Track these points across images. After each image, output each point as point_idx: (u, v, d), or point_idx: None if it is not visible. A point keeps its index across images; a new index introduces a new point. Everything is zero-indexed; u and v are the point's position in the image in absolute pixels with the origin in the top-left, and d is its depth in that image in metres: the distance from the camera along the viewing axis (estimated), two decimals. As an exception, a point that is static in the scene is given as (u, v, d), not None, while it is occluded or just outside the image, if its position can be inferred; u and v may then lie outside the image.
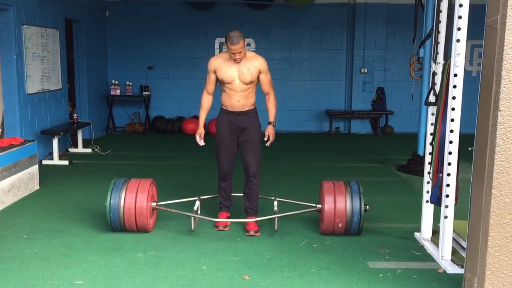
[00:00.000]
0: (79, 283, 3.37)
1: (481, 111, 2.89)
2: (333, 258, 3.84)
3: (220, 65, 4.23)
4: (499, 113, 2.69)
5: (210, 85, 4.37)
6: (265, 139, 4.35)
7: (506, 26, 2.62)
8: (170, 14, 10.22)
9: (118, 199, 4.20)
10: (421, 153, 6.78)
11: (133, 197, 4.21)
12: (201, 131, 4.43)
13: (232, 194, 4.60)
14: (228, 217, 4.50)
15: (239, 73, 4.18)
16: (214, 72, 4.27)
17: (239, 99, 4.25)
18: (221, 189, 4.50)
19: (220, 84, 4.32)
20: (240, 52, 4.06)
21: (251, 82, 4.22)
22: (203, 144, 4.41)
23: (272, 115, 4.38)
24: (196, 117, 10.04)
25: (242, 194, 4.67)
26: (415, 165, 6.71)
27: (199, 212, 4.54)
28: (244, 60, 4.17)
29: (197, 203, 4.58)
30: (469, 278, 3.01)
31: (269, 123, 4.38)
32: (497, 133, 2.71)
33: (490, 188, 2.76)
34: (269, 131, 4.35)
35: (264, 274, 3.55)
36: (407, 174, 6.70)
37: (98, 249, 3.99)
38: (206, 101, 4.44)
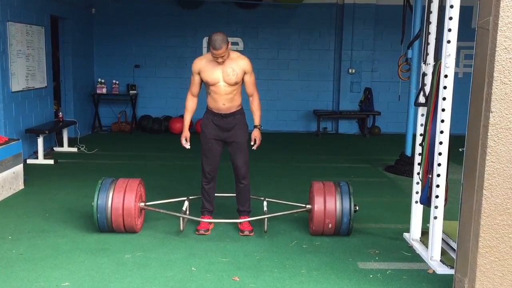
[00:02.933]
0: (66, 285, 3.31)
1: (472, 112, 2.90)
2: (323, 258, 3.82)
3: (204, 66, 4.16)
4: (490, 114, 2.69)
5: (195, 87, 4.30)
6: (252, 143, 4.32)
7: (499, 28, 2.62)
8: (158, 13, 10.14)
9: (105, 199, 4.14)
10: (408, 154, 6.81)
11: (121, 197, 4.15)
12: (186, 133, 4.37)
13: (218, 195, 4.56)
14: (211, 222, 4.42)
15: (223, 74, 4.11)
16: (199, 73, 4.20)
17: (224, 102, 4.18)
18: (205, 192, 4.43)
19: (205, 86, 4.26)
20: (222, 56, 4.00)
21: (236, 84, 4.15)
22: (189, 147, 4.36)
23: (257, 118, 4.33)
24: (183, 116, 10.00)
25: (230, 195, 4.69)
26: (403, 166, 6.74)
27: (187, 212, 4.49)
28: (228, 60, 4.10)
29: (186, 203, 4.53)
30: (459, 279, 3.01)
31: (255, 126, 4.33)
32: (488, 134, 2.71)
33: (481, 189, 2.76)
34: (256, 135, 4.31)
35: (254, 275, 3.52)
36: (395, 175, 6.73)
37: (85, 250, 3.92)
38: (191, 103, 4.37)
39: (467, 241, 2.91)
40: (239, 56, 4.20)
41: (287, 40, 10.34)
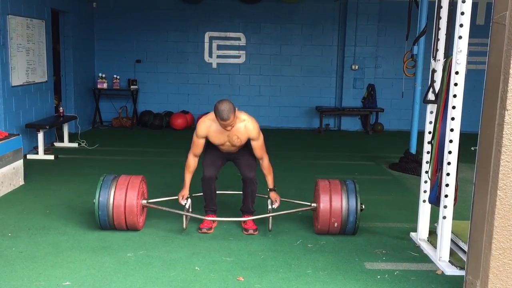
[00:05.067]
0: (67, 284, 3.24)
1: (486, 110, 2.81)
2: (329, 258, 3.75)
3: (212, 132, 4.09)
4: (506, 112, 2.61)
5: (198, 149, 4.19)
6: (274, 206, 4.26)
7: (516, 23, 2.54)
8: (159, 7, 10.04)
9: (107, 196, 4.06)
10: (413, 151, 6.74)
11: (123, 194, 4.07)
12: (185, 192, 4.28)
13: (222, 192, 4.50)
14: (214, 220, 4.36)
15: (229, 138, 4.09)
16: (204, 137, 4.14)
17: (229, 153, 4.25)
18: (205, 193, 4.37)
19: None
20: (231, 124, 3.93)
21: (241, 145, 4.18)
22: (185, 203, 4.30)
23: (270, 181, 4.27)
24: (185, 112, 9.94)
25: (233, 192, 4.74)
26: (407, 163, 6.66)
27: (190, 210, 4.41)
28: (236, 128, 4.02)
29: (189, 201, 4.44)
30: (471, 281, 2.94)
31: (270, 190, 4.29)
32: (503, 133, 2.63)
33: (495, 189, 2.68)
34: (274, 197, 4.28)
35: (259, 275, 3.44)
36: (399, 173, 6.64)
37: (86, 248, 3.84)
38: (193, 163, 4.25)
39: (480, 243, 2.83)
40: (245, 123, 4.06)
41: (290, 36, 10.24)
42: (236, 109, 3.95)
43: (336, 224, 4.10)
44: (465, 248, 3.31)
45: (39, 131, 6.92)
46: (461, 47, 3.35)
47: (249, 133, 4.09)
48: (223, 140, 4.12)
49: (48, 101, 7.99)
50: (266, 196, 4.57)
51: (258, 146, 4.16)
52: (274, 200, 4.28)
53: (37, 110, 7.54)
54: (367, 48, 10.13)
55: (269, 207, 4.35)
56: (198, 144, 4.17)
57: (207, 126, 4.09)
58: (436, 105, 3.77)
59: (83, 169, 6.39)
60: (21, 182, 5.57)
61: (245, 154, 4.26)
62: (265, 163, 4.23)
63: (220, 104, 3.86)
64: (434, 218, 3.99)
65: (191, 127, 9.74)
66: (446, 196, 3.56)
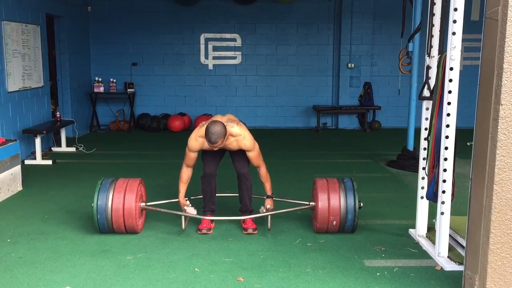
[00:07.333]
0: (67, 289, 3.24)
1: (481, 105, 2.82)
2: (329, 257, 3.75)
3: (204, 147, 4.10)
4: (500, 107, 2.62)
5: (192, 161, 4.20)
6: (264, 211, 4.26)
7: (508, 18, 2.55)
8: (154, 9, 10.05)
9: (105, 199, 4.06)
10: (411, 148, 6.75)
11: (121, 198, 4.08)
12: (183, 202, 4.30)
13: (220, 195, 4.50)
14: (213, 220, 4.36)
15: (223, 148, 4.11)
16: (197, 151, 4.15)
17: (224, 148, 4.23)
18: (205, 191, 4.37)
19: None
20: (217, 147, 3.94)
21: None
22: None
23: (268, 189, 4.30)
24: (182, 114, 9.94)
25: (232, 195, 4.68)
26: (405, 160, 6.67)
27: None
28: (228, 142, 4.02)
29: (187, 203, 4.45)
30: (469, 276, 2.95)
31: (268, 196, 4.31)
32: (498, 127, 2.64)
33: (492, 184, 2.70)
34: (269, 204, 4.29)
35: (258, 275, 3.45)
36: (397, 170, 6.65)
37: (86, 252, 3.85)
38: (187, 174, 4.26)
39: (477, 238, 2.84)
40: (237, 139, 4.06)
41: (285, 35, 10.25)
42: (228, 126, 3.95)
43: (334, 223, 4.11)
44: (464, 243, 3.32)
45: (37, 136, 6.92)
46: (455, 43, 3.37)
47: (242, 146, 4.10)
48: (217, 149, 4.12)
49: (45, 106, 7.99)
50: (264, 197, 4.57)
51: (254, 156, 4.17)
52: (265, 206, 4.29)
53: (34, 116, 7.54)
54: (363, 46, 10.15)
55: (268, 206, 4.34)
56: (190, 157, 4.18)
57: (200, 143, 4.09)
58: (431, 101, 3.78)
59: (81, 174, 6.39)
60: (19, 188, 5.56)
61: (240, 150, 4.24)
62: (263, 171, 4.24)
63: (212, 127, 3.84)
64: (432, 214, 4.00)
65: (189, 129, 9.74)
66: (443, 192, 3.57)
